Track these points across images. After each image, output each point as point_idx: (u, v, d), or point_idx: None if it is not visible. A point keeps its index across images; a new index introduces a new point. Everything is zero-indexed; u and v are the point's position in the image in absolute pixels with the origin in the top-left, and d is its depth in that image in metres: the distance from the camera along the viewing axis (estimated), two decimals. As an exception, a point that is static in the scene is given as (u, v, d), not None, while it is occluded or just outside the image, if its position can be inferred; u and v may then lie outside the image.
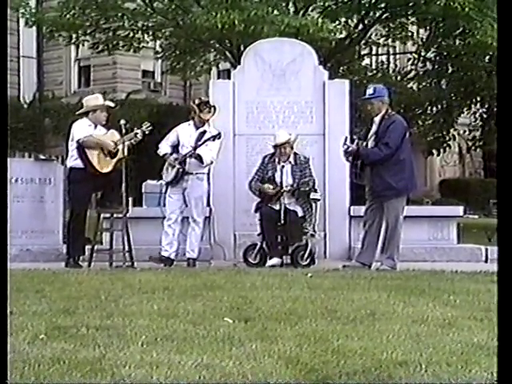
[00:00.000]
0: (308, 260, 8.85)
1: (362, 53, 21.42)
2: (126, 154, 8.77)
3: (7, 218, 4.35)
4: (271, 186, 8.98)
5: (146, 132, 8.88)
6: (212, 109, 9.04)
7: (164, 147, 9.10)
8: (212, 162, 9.10)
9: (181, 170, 8.87)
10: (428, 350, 3.98)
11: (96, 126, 8.92)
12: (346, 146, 8.51)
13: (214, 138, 8.91)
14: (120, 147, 8.77)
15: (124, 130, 8.77)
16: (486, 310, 5.23)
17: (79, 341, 4.14)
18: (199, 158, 8.85)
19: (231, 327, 4.56)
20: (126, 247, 8.75)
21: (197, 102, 9.18)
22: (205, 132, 8.97)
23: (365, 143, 8.53)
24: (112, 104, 9.26)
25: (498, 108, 4.16)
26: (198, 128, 9.03)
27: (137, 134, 8.80)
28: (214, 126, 9.14)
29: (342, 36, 17.68)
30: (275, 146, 9.10)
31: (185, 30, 17.27)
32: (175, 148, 9.05)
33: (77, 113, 9.32)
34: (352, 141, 8.59)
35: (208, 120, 9.04)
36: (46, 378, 3.44)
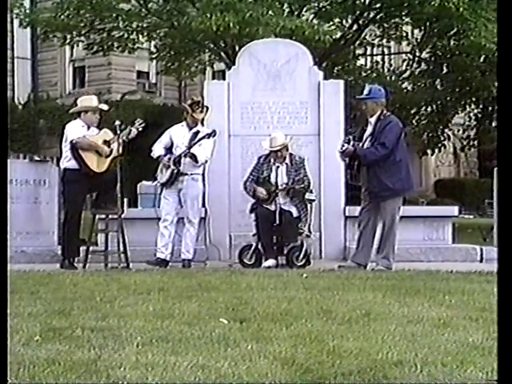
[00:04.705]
0: (303, 260, 8.85)
1: (357, 53, 21.44)
2: (120, 152, 8.76)
3: (7, 220, 4.34)
4: (264, 192, 8.96)
5: (140, 129, 8.85)
6: (204, 108, 9.03)
7: (158, 149, 9.09)
8: (207, 161, 9.08)
9: (175, 170, 8.86)
10: (423, 350, 3.98)
11: (89, 127, 8.92)
12: (343, 147, 8.52)
13: (208, 135, 8.90)
14: (114, 146, 8.76)
15: (119, 131, 8.76)
16: (481, 309, 5.24)
17: (74, 342, 4.14)
18: (194, 158, 8.84)
19: (226, 328, 4.56)
20: (121, 248, 8.73)
21: (189, 102, 9.19)
22: (198, 132, 8.96)
23: (361, 144, 8.54)
24: (106, 107, 9.20)
25: (499, 106, 4.17)
26: (191, 128, 9.02)
27: (130, 131, 8.78)
28: (209, 127, 9.14)
29: (337, 36, 17.70)
30: (271, 150, 9.08)
31: (180, 31, 17.27)
32: (169, 150, 9.03)
33: (70, 111, 9.36)
34: (348, 141, 8.59)
35: (201, 120, 9.04)
36: (41, 380, 3.44)
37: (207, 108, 9.09)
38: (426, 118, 21.60)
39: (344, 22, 18.36)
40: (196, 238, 9.08)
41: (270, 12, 15.17)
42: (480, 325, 4.69)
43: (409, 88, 21.26)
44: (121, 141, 8.73)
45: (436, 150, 23.13)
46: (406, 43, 21.21)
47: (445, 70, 20.57)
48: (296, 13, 16.95)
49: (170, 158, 8.88)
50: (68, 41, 19.27)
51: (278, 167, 9.05)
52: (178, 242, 9.02)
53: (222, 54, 18.12)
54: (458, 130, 24.55)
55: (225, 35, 15.71)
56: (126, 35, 18.56)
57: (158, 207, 9.14)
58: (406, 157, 8.71)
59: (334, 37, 16.61)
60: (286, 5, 16.59)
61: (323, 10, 17.37)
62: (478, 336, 4.33)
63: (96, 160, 8.76)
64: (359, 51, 21.65)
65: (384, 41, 21.48)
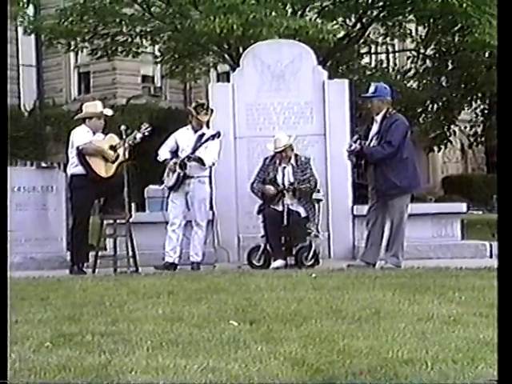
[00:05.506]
0: (312, 260, 8.84)
1: (361, 52, 21.42)
2: (126, 157, 8.77)
3: (7, 226, 4.34)
4: (272, 188, 8.96)
5: (146, 133, 8.86)
6: (209, 111, 9.04)
7: (163, 153, 9.09)
8: (214, 164, 9.08)
9: (182, 174, 8.86)
10: (434, 348, 3.96)
11: (94, 133, 8.93)
12: (351, 146, 8.51)
13: (213, 137, 8.90)
14: (120, 151, 8.77)
15: (124, 136, 8.77)
16: (491, 306, 5.20)
17: (85, 348, 4.14)
18: (200, 161, 8.84)
19: (236, 330, 4.55)
20: (130, 252, 8.74)
21: (193, 104, 9.21)
22: (203, 134, 8.97)
23: (367, 142, 8.53)
24: (110, 113, 9.20)
25: (499, 103, 4.15)
26: (196, 131, 9.02)
27: (136, 136, 8.79)
28: (214, 129, 9.14)
29: (341, 35, 17.68)
30: (275, 151, 9.07)
31: (183, 34, 17.27)
32: (175, 153, 9.03)
33: (75, 118, 9.40)
34: (356, 140, 8.58)
35: (206, 122, 9.05)
36: (52, 386, 3.45)
37: (212, 110, 9.09)
38: (432, 116, 21.54)
39: (347, 20, 18.34)
40: (204, 241, 9.08)
41: (273, 13, 15.16)
42: (490, 321, 4.67)
43: (414, 86, 21.22)
44: (127, 145, 8.73)
45: (443, 147, 23.08)
46: (410, 40, 21.18)
47: (450, 67, 20.52)
48: (299, 13, 16.94)
49: (175, 162, 8.88)
50: (72, 47, 19.31)
51: (284, 168, 9.05)
52: (187, 245, 9.02)
53: (226, 55, 18.12)
54: (465, 127, 24.48)
55: (228, 37, 15.71)
56: (129, 40, 18.60)
57: (166, 211, 9.14)
58: (412, 154, 8.70)
59: (337, 36, 16.60)
60: (288, 5, 16.59)
61: (326, 9, 17.37)
62: (488, 332, 4.31)
63: (103, 165, 8.77)
64: (363, 50, 21.62)
65: (388, 39, 21.43)
